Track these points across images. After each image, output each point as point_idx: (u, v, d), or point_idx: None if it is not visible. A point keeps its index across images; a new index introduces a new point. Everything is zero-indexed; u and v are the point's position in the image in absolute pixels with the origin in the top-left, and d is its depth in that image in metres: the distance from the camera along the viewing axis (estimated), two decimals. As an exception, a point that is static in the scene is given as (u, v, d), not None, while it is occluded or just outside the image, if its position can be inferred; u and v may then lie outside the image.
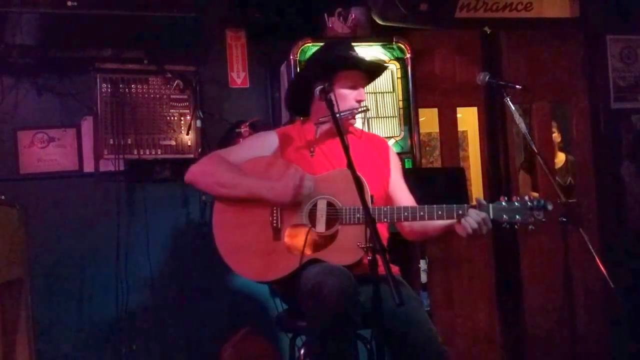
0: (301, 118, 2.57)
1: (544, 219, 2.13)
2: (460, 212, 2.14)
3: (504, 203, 2.15)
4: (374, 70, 2.50)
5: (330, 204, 2.21)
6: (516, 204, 2.14)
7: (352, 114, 2.36)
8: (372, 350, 2.24)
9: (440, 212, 2.16)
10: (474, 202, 2.20)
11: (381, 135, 2.96)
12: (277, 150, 2.37)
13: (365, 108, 2.40)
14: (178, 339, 3.30)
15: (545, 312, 3.89)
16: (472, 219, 2.12)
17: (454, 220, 2.18)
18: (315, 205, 2.22)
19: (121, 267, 3.21)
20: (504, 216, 2.14)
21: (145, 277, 3.26)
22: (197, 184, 2.32)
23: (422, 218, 2.18)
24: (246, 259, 2.23)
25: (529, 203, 2.13)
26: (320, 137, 2.38)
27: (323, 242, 2.20)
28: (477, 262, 3.92)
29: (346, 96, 2.35)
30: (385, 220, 2.22)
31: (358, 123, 2.49)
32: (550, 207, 2.13)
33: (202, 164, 2.34)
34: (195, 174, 2.31)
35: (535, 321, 3.91)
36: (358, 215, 2.16)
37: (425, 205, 2.19)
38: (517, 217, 2.13)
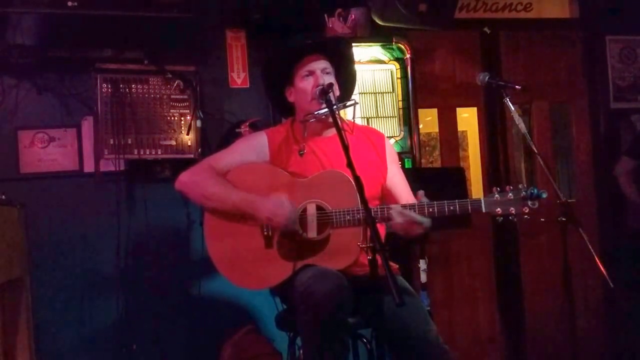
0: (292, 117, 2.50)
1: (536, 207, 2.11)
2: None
3: (496, 195, 2.13)
4: (325, 46, 2.37)
5: (319, 208, 2.19)
6: (510, 194, 2.12)
7: (317, 115, 2.26)
8: (372, 350, 2.24)
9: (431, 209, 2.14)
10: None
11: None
12: (268, 152, 2.34)
13: (353, 102, 2.35)
14: (178, 339, 3.30)
15: (545, 312, 3.90)
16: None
17: None
18: (305, 211, 2.19)
19: (121, 267, 3.22)
20: (498, 209, 2.12)
21: (146, 276, 3.26)
22: (186, 193, 2.31)
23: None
24: (240, 269, 2.23)
25: (522, 192, 2.11)
26: (308, 135, 2.33)
27: (316, 247, 2.18)
28: (477, 262, 3.92)
29: (304, 90, 2.29)
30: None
31: (350, 117, 2.44)
32: (545, 195, 2.10)
33: (191, 173, 2.31)
34: (184, 183, 2.29)
35: (536, 321, 3.92)
36: (348, 217, 2.14)
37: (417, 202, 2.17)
38: (511, 208, 2.12)
